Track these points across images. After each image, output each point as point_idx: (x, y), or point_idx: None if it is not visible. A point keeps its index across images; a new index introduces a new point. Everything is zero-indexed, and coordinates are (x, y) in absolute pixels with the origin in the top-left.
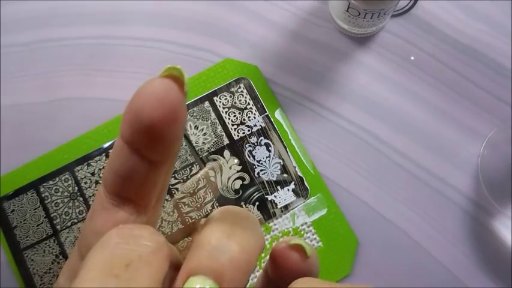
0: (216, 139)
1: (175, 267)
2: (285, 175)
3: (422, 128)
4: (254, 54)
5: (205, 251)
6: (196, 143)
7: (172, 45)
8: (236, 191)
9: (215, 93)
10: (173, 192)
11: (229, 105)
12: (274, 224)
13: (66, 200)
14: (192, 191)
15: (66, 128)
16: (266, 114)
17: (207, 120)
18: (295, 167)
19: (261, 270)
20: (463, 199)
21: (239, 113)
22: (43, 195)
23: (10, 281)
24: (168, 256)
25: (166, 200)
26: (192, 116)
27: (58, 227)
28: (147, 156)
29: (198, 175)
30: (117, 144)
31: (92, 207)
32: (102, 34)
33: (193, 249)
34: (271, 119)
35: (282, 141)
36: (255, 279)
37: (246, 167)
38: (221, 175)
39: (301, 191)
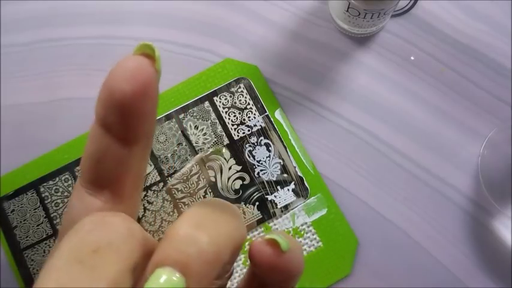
0: (216, 139)
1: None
2: (285, 175)
3: (423, 128)
4: (254, 54)
5: (173, 242)
6: (196, 143)
7: (172, 45)
8: (236, 191)
9: (215, 93)
10: (173, 192)
11: (229, 105)
12: (274, 224)
13: (66, 200)
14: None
15: (66, 128)
16: (266, 114)
17: (207, 120)
18: (295, 167)
19: (247, 267)
20: (463, 199)
21: (239, 113)
22: (43, 195)
23: (10, 281)
24: (141, 244)
25: (167, 200)
26: (192, 116)
27: (58, 227)
28: (119, 135)
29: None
30: (91, 129)
31: (70, 198)
32: (102, 34)
33: (163, 241)
34: (271, 119)
35: (282, 141)
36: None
37: (246, 167)
38: (221, 175)
39: (301, 191)
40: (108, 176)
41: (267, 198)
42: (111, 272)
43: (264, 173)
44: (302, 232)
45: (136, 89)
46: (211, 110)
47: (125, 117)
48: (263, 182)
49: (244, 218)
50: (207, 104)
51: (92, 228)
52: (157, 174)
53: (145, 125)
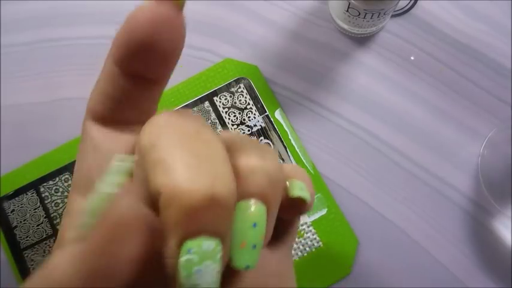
0: None
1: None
2: None
3: (422, 127)
4: (254, 54)
5: (250, 175)
6: None
7: None
8: None
9: (215, 93)
10: None
11: (229, 105)
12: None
13: (66, 200)
14: None
15: (66, 128)
16: (266, 114)
17: (207, 120)
18: None
19: None
20: (463, 199)
21: (239, 113)
22: (43, 195)
23: (10, 281)
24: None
25: None
26: None
27: (58, 227)
28: (145, 74)
29: None
30: (108, 69)
31: (84, 146)
32: (102, 34)
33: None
34: (271, 119)
35: (282, 141)
36: None
37: None
38: None
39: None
40: (131, 114)
41: None
42: (219, 147)
43: None
44: (302, 232)
45: (160, 25)
46: (211, 110)
47: (151, 56)
48: None
49: None
50: (207, 104)
51: (181, 115)
52: None
53: (168, 65)
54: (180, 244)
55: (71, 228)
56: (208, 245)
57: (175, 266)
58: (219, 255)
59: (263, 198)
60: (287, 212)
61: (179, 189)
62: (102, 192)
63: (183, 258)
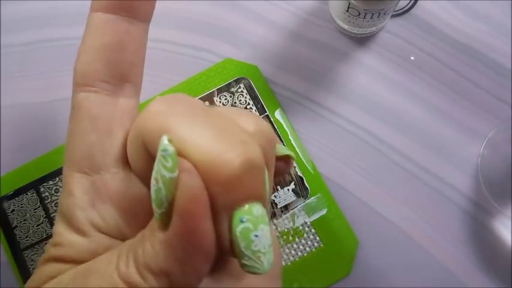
0: None
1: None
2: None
3: (422, 127)
4: (254, 54)
5: (253, 138)
6: None
7: (172, 45)
8: None
9: (215, 93)
10: None
11: (229, 105)
12: (274, 224)
13: None
14: None
15: (66, 128)
16: (266, 114)
17: None
18: (295, 167)
19: None
20: (463, 199)
21: None
22: (43, 195)
23: (10, 281)
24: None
25: None
26: None
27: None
28: (137, 13)
29: None
30: (97, 20)
31: (77, 119)
32: None
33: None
34: (271, 119)
35: (282, 141)
36: None
37: None
38: None
39: (301, 191)
40: (129, 64)
41: None
42: (228, 116)
43: None
44: (302, 232)
45: None
46: None
47: None
48: None
49: None
50: (207, 104)
51: (179, 97)
52: None
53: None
54: (229, 216)
55: (83, 208)
56: (257, 209)
57: (230, 238)
58: (267, 217)
59: (265, 160)
60: (276, 172)
61: (218, 161)
62: (164, 178)
63: (239, 228)
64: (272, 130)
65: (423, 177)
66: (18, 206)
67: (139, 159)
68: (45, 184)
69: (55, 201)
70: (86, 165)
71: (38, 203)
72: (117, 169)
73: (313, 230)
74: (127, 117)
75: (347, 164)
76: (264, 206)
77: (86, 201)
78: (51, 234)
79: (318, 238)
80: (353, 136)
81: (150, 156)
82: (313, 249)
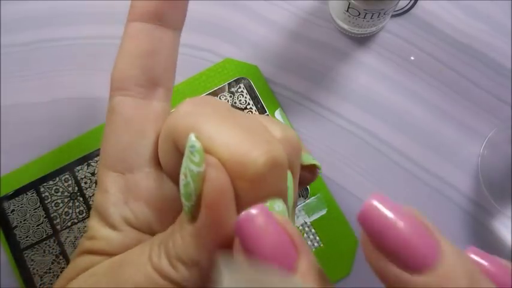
0: None
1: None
2: None
3: (423, 127)
4: (254, 54)
5: (279, 143)
6: None
7: None
8: None
9: (215, 93)
10: None
11: (229, 105)
12: None
13: (66, 200)
14: None
15: (66, 128)
16: (266, 114)
17: None
18: None
19: None
20: (463, 199)
21: None
22: (43, 195)
23: (10, 281)
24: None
25: None
26: None
27: (58, 227)
28: (171, 22)
29: None
30: (133, 29)
31: (113, 121)
32: (102, 34)
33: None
34: None
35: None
36: None
37: None
38: None
39: (301, 191)
40: (162, 70)
41: None
42: (253, 116)
43: None
44: (302, 232)
45: None
46: None
47: (177, 4)
48: None
49: None
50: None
51: (207, 98)
52: None
53: (186, 7)
54: None
55: (116, 205)
56: (278, 205)
57: None
58: (287, 214)
59: (289, 166)
60: (301, 181)
61: (243, 159)
62: (192, 172)
63: None
64: (298, 138)
65: (423, 177)
66: (18, 206)
67: (170, 159)
68: (45, 184)
69: (55, 201)
70: (121, 165)
71: (38, 203)
72: (150, 169)
73: (313, 230)
74: (159, 119)
75: (347, 164)
76: (285, 202)
77: (120, 198)
78: (51, 234)
79: (318, 238)
80: (353, 136)
81: (180, 155)
82: (313, 249)
